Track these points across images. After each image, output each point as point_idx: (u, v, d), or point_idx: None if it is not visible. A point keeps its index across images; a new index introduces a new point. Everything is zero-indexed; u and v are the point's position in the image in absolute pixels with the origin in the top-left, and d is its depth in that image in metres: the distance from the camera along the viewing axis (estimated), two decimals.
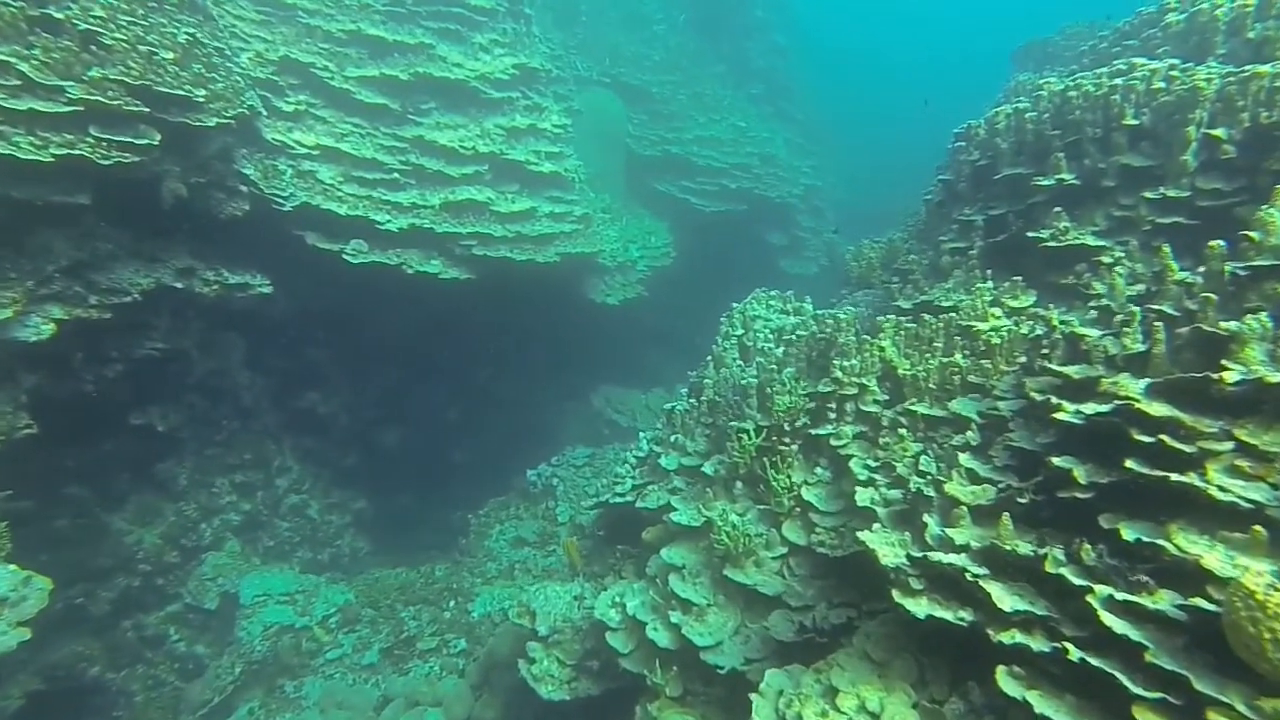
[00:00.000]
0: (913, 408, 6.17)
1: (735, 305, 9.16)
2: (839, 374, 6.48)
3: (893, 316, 6.86)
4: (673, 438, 8.32)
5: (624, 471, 9.05)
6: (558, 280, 14.83)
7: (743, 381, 7.49)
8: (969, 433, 5.52)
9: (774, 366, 7.09)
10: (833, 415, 6.56)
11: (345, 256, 10.44)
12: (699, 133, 20.05)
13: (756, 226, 21.14)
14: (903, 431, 6.05)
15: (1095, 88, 7.12)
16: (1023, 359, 5.85)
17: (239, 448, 11.95)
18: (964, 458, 5.26)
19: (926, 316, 6.60)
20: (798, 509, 6.45)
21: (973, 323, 6.48)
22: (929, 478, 5.38)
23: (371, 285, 11.64)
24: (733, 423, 7.20)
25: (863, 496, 5.70)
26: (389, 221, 10.79)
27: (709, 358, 8.88)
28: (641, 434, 9.58)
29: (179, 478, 11.00)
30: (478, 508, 15.79)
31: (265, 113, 10.10)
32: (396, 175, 11.18)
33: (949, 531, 4.73)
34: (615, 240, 16.28)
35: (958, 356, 6.21)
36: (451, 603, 11.98)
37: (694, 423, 8.27)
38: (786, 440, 6.70)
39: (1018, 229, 7.31)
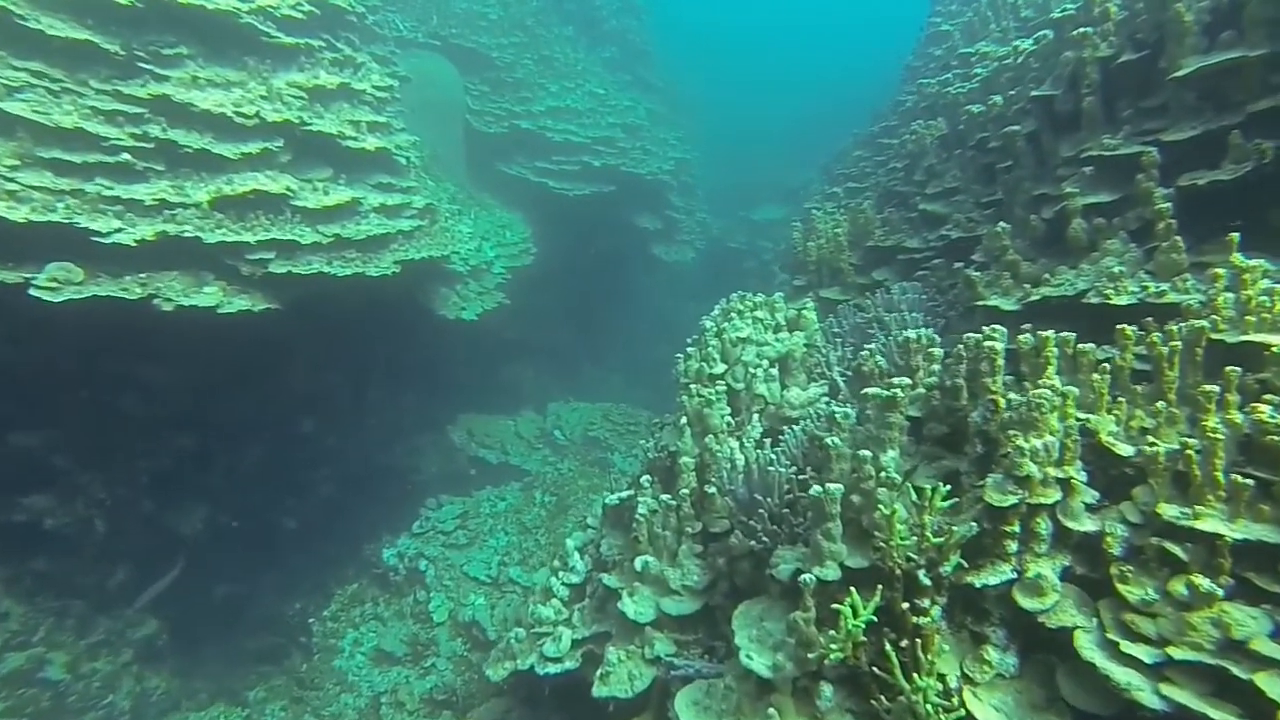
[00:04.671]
0: (1187, 521, 3.03)
1: (705, 321, 5.65)
2: (1027, 463, 3.18)
3: (1047, 334, 3.62)
4: (638, 561, 4.80)
5: (549, 613, 5.40)
6: (398, 296, 10.78)
7: (776, 473, 4.09)
8: None
9: (843, 449, 3.70)
10: (1011, 546, 3.26)
11: (38, 293, 6.01)
12: (552, 103, 16.28)
13: (625, 209, 17.71)
14: (1201, 582, 2.86)
15: None
16: None
17: None
18: None
19: (1128, 332, 3.47)
20: None
21: (1255, 336, 3.40)
22: None
23: (110, 331, 7.25)
24: (783, 563, 3.77)
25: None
26: (118, 231, 6.44)
27: (674, 419, 5.41)
28: (568, 540, 5.93)
29: None
30: (322, 591, 11.61)
31: None
32: (128, 157, 6.79)
33: None
34: (469, 237, 12.34)
35: (1235, 410, 3.15)
36: None
37: (673, 533, 4.80)
38: (922, 601, 3.33)
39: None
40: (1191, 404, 3.61)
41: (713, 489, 4.73)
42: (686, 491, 4.90)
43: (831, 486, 3.41)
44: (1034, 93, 5.19)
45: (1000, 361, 3.36)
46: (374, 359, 13.15)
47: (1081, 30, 4.88)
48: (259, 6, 7.92)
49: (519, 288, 15.02)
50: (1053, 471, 3.22)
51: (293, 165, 8.49)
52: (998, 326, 3.46)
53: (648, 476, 5.15)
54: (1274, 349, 3.40)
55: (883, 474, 3.44)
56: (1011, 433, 3.22)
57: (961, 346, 3.60)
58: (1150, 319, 3.94)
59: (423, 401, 14.66)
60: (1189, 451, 3.12)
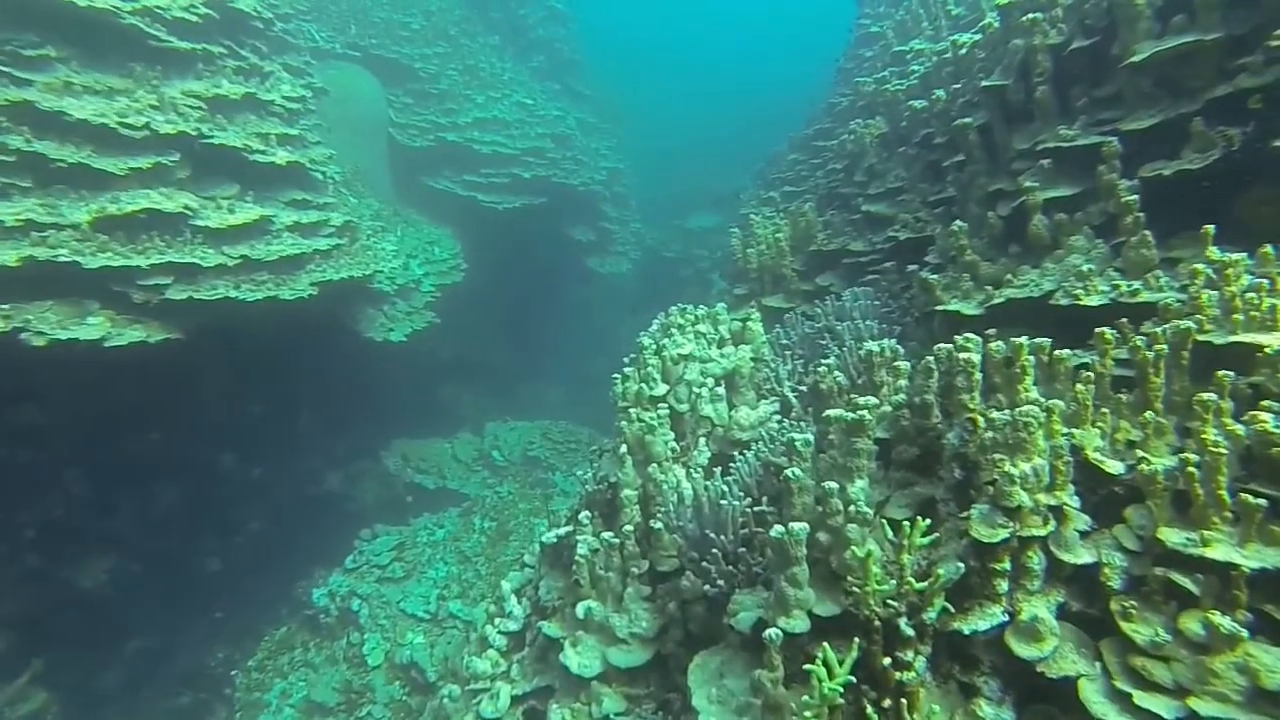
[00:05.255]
0: (1194, 549, 2.67)
1: (644, 339, 5.14)
2: (1017, 492, 2.77)
3: (1020, 341, 3.23)
4: (579, 607, 4.29)
5: (485, 666, 4.84)
6: (318, 319, 10.04)
7: (729, 508, 3.63)
8: None
9: (805, 480, 3.24)
10: (1002, 585, 2.84)
11: None
12: (478, 114, 15.67)
13: (558, 222, 17.17)
14: (1221, 621, 2.49)
15: None
16: None
17: None
18: None
19: (1107, 336, 3.12)
20: None
21: (1245, 337, 3.06)
22: None
23: None
24: (743, 611, 3.30)
25: None
26: None
27: (613, 446, 4.91)
28: (504, 583, 5.36)
29: None
30: (252, 635, 10.77)
31: None
32: None
33: None
34: (393, 255, 11.65)
35: (1230, 420, 2.81)
36: None
37: (617, 574, 4.31)
38: (904, 653, 2.88)
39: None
40: (1179, 412, 3.27)
41: (659, 524, 4.24)
42: (630, 528, 4.39)
43: (795, 526, 2.95)
44: (984, 83, 4.87)
45: (977, 376, 2.97)
46: (301, 386, 12.34)
47: (1031, 16, 4.58)
48: (144, 6, 7.17)
49: (451, 305, 14.38)
50: (1044, 499, 2.82)
51: (192, 181, 7.75)
52: (971, 336, 3.06)
53: (586, 513, 4.63)
54: (1268, 350, 3.08)
55: (852, 508, 3.00)
56: (997, 457, 2.81)
57: (931, 359, 3.19)
58: (1125, 320, 3.61)
59: (356, 427, 13.87)
60: (1190, 469, 2.76)
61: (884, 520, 3.02)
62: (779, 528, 2.98)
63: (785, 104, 19.15)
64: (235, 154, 8.16)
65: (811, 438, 3.23)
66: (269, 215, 8.36)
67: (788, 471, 3.19)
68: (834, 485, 3.08)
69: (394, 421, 14.89)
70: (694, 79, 44.90)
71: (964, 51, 5.75)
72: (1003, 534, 2.74)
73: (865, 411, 3.04)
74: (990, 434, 2.89)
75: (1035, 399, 2.90)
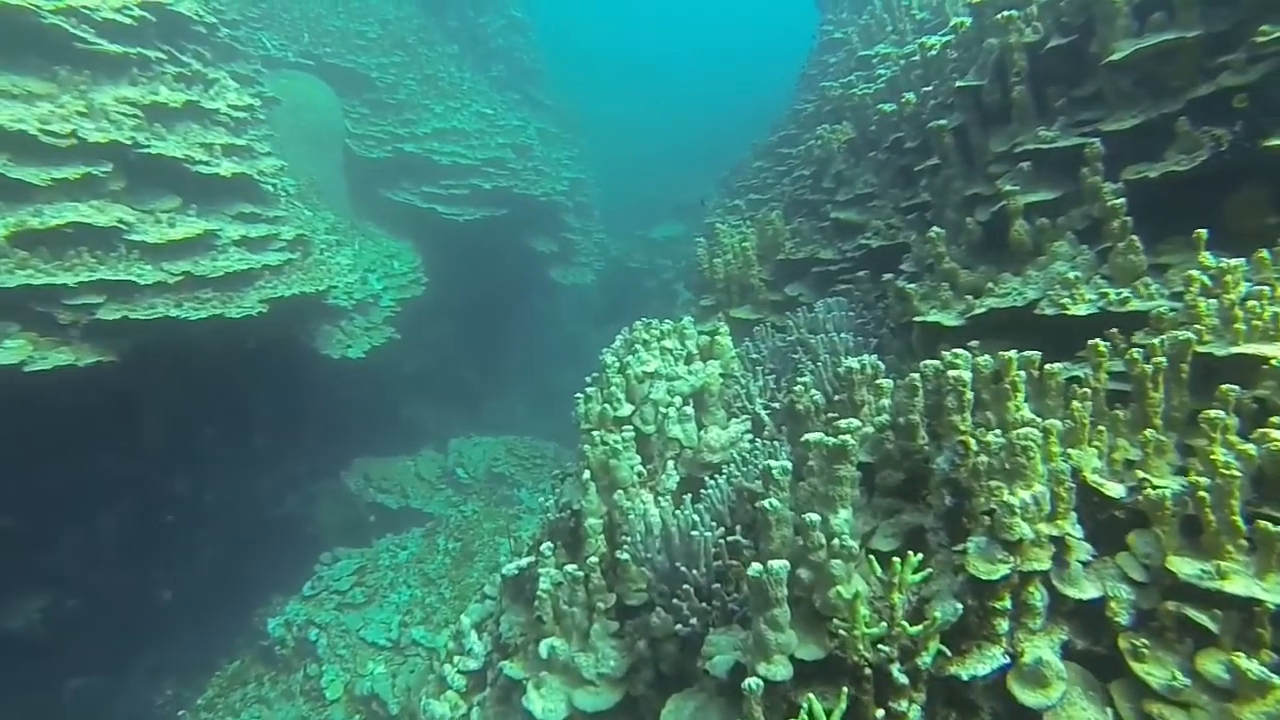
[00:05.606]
0: (1210, 582, 2.42)
1: (606, 356, 4.81)
2: (1018, 524, 2.50)
3: (1009, 355, 2.97)
4: (543, 645, 3.95)
5: (443, 710, 4.47)
6: (271, 337, 9.57)
7: (701, 539, 3.34)
8: None
9: (783, 512, 2.95)
10: (1002, 625, 2.57)
11: None
12: (438, 125, 15.26)
13: (520, 233, 16.79)
14: (1249, 667, 2.24)
15: None
16: None
17: None
18: None
19: (1100, 348, 2.89)
20: None
21: (1248, 348, 2.84)
22: None
23: None
24: (718, 653, 2.99)
25: None
26: None
27: (576, 470, 4.58)
28: (464, 618, 4.99)
29: None
30: (207, 668, 10.26)
31: None
32: None
33: None
34: (349, 270, 11.21)
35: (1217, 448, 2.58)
36: None
37: (582, 609, 3.98)
38: (897, 703, 2.58)
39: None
40: (1179, 429, 3.04)
41: (626, 555, 3.92)
42: (595, 559, 4.07)
43: (774, 564, 2.65)
44: (958, 84, 4.64)
45: (969, 395, 2.69)
46: (256, 406, 11.80)
47: (1006, 14, 4.36)
48: (69, 6, 6.71)
49: (413, 320, 13.98)
50: (1045, 529, 2.55)
51: (129, 193, 7.29)
52: (961, 352, 2.79)
53: (549, 543, 4.28)
54: (1274, 361, 2.85)
55: (836, 541, 2.70)
56: (994, 484, 2.54)
57: (918, 376, 2.91)
58: (1116, 330, 3.38)
59: (317, 447, 13.35)
60: (1201, 493, 2.51)
61: (871, 555, 2.73)
62: (757, 565, 2.68)
63: (750, 111, 19.01)
64: (176, 165, 7.70)
65: (789, 464, 2.94)
66: (214, 229, 7.91)
67: (764, 502, 2.89)
68: (816, 517, 2.79)
69: (355, 440, 14.43)
70: (657, 87, 44.71)
71: (933, 53, 5.55)
72: (1003, 570, 2.46)
73: (848, 436, 2.76)
74: (984, 458, 2.61)
75: (1031, 419, 2.64)
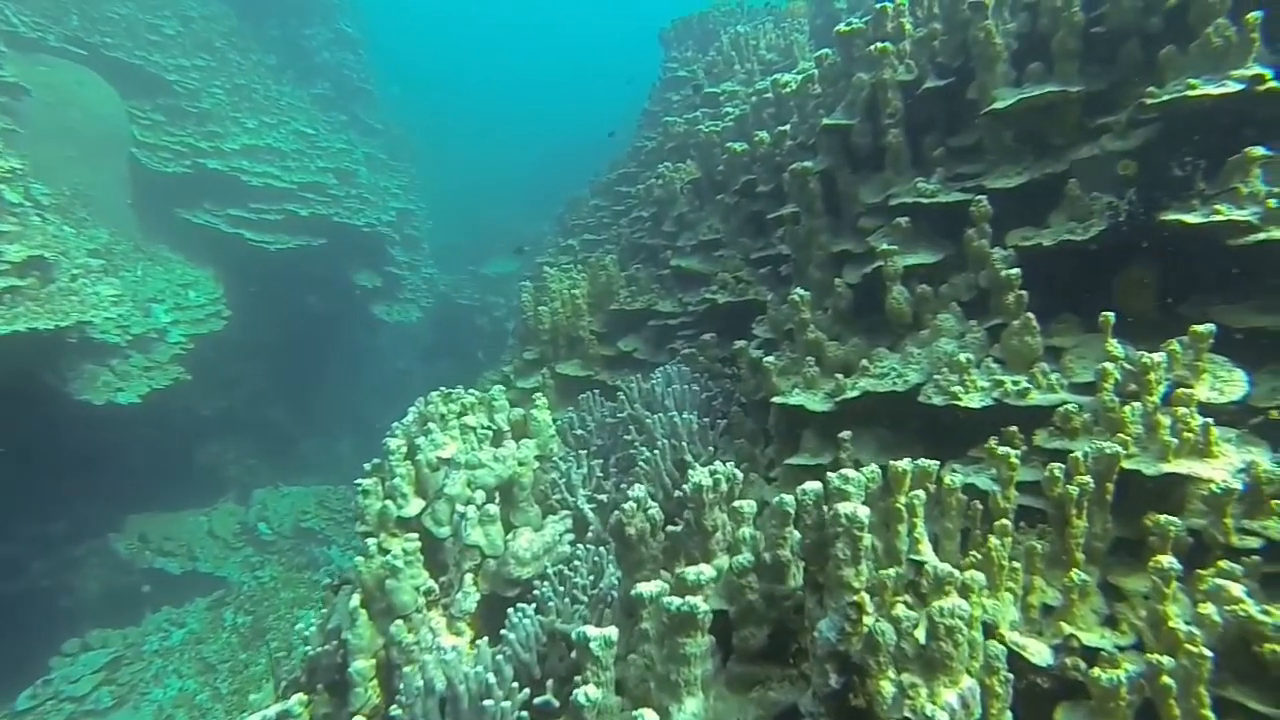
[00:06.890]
0: None
1: (389, 440, 3.65)
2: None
3: (901, 466, 2.21)
4: None
5: None
6: (11, 377, 7.62)
7: (494, 711, 2.32)
8: None
9: (607, 702, 2.00)
10: None
11: None
12: (249, 141, 13.44)
13: (340, 265, 15.13)
14: None
15: None
16: None
17: None
18: None
19: (1012, 460, 2.19)
20: None
21: (1179, 466, 2.20)
22: None
23: None
24: None
25: None
26: None
27: (348, 588, 3.43)
28: None
29: None
30: None
31: None
32: None
33: None
34: (115, 300, 9.31)
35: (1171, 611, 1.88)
36: None
37: None
38: None
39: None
40: (1097, 561, 2.36)
41: (402, 714, 2.81)
42: (362, 718, 2.93)
43: None
44: (825, 121, 3.97)
45: (866, 540, 1.87)
46: None
47: (879, 45, 3.73)
48: None
49: (214, 356, 12.12)
50: None
51: None
52: (850, 474, 1.97)
53: (301, 696, 3.08)
54: (1213, 486, 2.22)
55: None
56: (909, 681, 1.70)
57: (791, 502, 2.07)
58: (1015, 429, 2.71)
59: (78, 504, 11.09)
60: (1164, 679, 1.78)
61: None
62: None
63: (593, 145, 18.32)
64: None
65: (612, 635, 1.97)
66: None
67: (579, 694, 1.91)
68: (651, 716, 1.84)
69: (132, 494, 12.18)
70: (499, 117, 43.19)
71: (789, 89, 4.93)
72: None
73: (698, 600, 1.84)
74: (889, 635, 1.77)
75: (949, 573, 1.83)
